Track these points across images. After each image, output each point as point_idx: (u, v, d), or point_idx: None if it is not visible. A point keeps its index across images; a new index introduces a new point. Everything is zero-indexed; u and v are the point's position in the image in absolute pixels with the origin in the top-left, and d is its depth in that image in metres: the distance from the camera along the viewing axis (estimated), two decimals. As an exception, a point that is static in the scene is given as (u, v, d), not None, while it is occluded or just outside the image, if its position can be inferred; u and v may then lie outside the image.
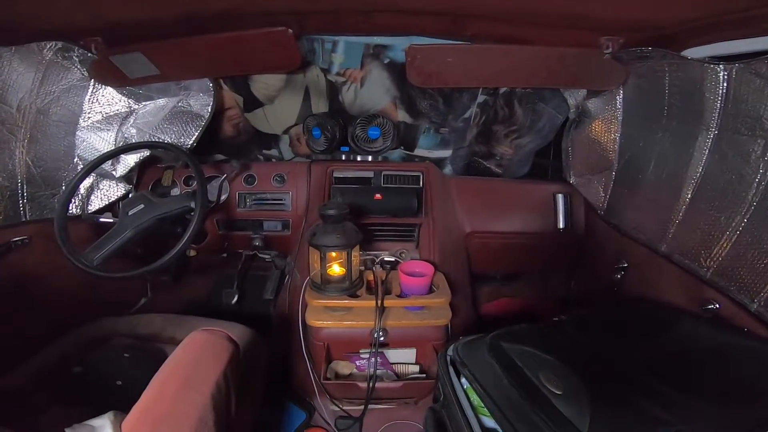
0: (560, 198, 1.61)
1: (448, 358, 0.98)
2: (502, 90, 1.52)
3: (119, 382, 0.97)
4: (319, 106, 1.59)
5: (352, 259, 1.16)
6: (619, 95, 1.35)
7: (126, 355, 1.04)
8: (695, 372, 0.80)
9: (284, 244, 1.63)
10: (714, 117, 1.02)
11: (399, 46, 1.37)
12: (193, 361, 0.79)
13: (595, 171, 1.50)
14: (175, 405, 0.67)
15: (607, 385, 0.75)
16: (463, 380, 0.93)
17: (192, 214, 1.18)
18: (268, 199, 1.54)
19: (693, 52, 1.03)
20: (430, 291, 1.20)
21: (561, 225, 1.61)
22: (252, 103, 1.58)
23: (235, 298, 1.84)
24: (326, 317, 1.15)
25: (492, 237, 1.63)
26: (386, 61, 1.43)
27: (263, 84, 1.52)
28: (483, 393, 0.84)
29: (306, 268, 1.33)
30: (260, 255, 1.72)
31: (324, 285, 1.17)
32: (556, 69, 1.29)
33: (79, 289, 1.31)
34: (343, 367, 1.27)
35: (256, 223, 1.56)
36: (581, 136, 1.50)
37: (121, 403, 0.71)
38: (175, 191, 1.53)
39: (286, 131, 1.70)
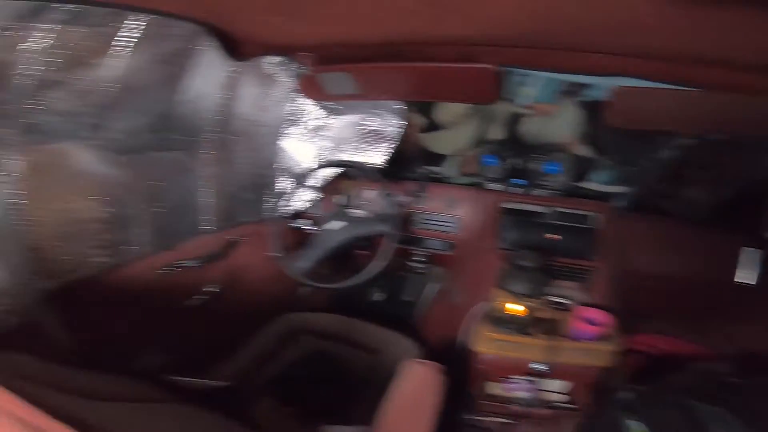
0: (746, 252, 1.47)
1: (620, 402, 1.06)
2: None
3: (327, 388, 1.12)
4: (495, 132, 1.61)
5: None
6: None
7: (327, 359, 1.21)
8: None
9: (443, 261, 1.71)
10: None
11: (600, 85, 1.31)
12: (419, 391, 0.91)
13: (805, 230, 1.33)
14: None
15: None
16: (632, 423, 0.99)
17: (384, 237, 1.31)
18: (437, 221, 1.63)
19: None
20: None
21: (739, 278, 1.48)
22: (432, 125, 1.65)
23: (383, 297, 2.01)
24: (494, 347, 1.24)
25: (657, 280, 1.55)
26: (582, 99, 1.39)
27: (448, 110, 1.58)
28: None
29: (470, 291, 1.41)
30: (412, 264, 1.83)
31: (502, 321, 1.24)
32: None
33: (266, 283, 1.50)
34: (493, 386, 1.36)
35: (422, 239, 1.65)
36: (797, 192, 1.33)
37: (334, 412, 0.85)
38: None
39: (456, 152, 1.74)
